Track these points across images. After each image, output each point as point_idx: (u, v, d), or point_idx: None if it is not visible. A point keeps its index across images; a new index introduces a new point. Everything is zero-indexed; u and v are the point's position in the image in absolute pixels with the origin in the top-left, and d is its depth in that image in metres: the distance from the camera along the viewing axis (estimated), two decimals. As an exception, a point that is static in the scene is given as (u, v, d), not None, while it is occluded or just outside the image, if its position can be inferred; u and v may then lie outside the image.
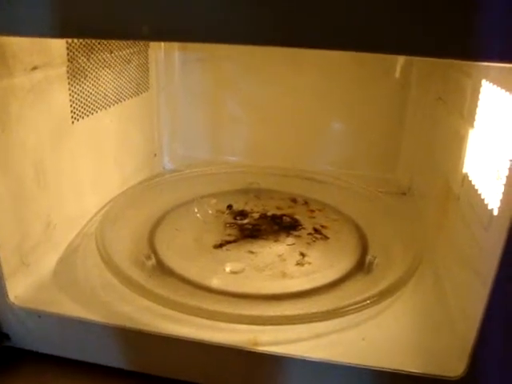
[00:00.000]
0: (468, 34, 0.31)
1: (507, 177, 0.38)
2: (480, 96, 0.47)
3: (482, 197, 0.44)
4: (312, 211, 0.71)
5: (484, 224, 0.43)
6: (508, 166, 0.38)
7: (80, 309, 0.48)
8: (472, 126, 0.49)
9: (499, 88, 0.42)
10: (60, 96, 0.56)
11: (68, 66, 0.57)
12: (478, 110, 0.47)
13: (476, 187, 0.46)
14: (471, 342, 0.40)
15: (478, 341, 0.39)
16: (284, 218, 0.68)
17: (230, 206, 0.70)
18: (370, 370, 0.43)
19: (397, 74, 0.77)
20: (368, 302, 0.47)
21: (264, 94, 0.82)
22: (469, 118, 0.51)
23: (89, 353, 0.49)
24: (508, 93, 0.40)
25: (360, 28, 0.33)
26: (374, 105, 0.79)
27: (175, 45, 0.82)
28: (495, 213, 0.40)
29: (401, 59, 0.76)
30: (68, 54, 0.56)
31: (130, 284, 0.49)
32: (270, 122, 0.84)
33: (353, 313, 0.46)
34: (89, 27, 0.37)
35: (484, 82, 0.46)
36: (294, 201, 0.74)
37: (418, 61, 0.74)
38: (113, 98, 0.69)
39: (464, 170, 0.50)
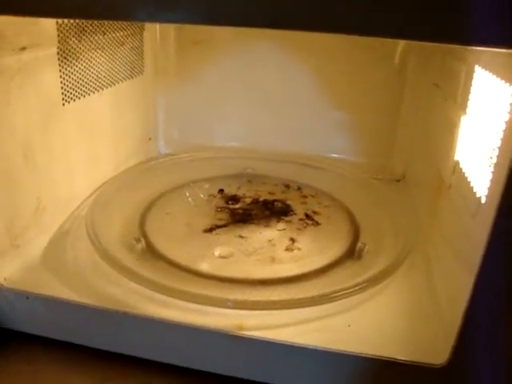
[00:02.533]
0: (461, 18, 0.31)
1: (495, 164, 0.38)
2: (472, 82, 0.46)
3: (472, 185, 0.43)
4: (305, 197, 0.71)
5: (472, 212, 0.42)
6: (496, 154, 0.37)
7: (68, 291, 0.48)
8: (464, 112, 0.48)
9: (490, 73, 0.41)
10: (50, 77, 0.56)
11: (58, 47, 0.56)
12: (471, 96, 0.47)
13: (466, 175, 0.45)
14: (456, 331, 0.40)
15: (461, 329, 0.39)
16: (276, 203, 0.68)
17: (221, 190, 0.70)
18: (354, 356, 0.43)
19: (395, 60, 0.76)
20: (356, 288, 0.47)
21: (260, 78, 0.82)
22: (462, 104, 0.50)
23: (76, 334, 0.49)
24: (499, 78, 0.39)
25: (358, 12, 0.32)
26: (371, 91, 0.78)
27: (171, 27, 0.81)
28: (483, 201, 0.40)
29: (399, 45, 0.75)
30: (58, 35, 0.56)
31: (118, 267, 0.49)
32: (266, 106, 0.84)
33: (340, 299, 0.46)
34: (81, 7, 0.36)
35: (477, 68, 0.45)
36: (287, 186, 0.74)
37: (417, 47, 0.74)
38: (106, 80, 0.68)
39: (455, 158, 0.50)
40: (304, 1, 0.33)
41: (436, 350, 0.43)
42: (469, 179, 0.44)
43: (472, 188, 0.43)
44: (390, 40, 0.74)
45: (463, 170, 0.47)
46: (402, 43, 0.75)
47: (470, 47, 0.48)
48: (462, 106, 0.49)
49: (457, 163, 0.50)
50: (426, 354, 0.43)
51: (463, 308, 0.39)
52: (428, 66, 0.72)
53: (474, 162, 0.44)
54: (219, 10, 0.34)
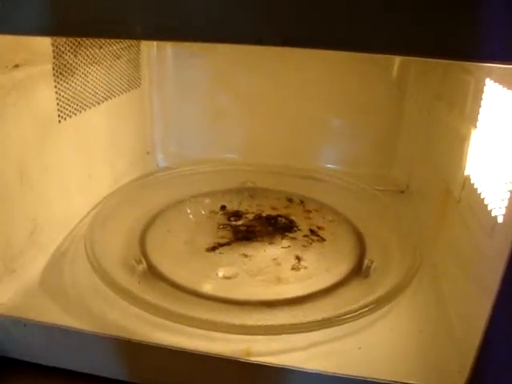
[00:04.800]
0: (469, 35, 0.30)
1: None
2: (483, 95, 0.45)
3: (486, 202, 0.42)
4: (308, 211, 0.69)
5: (487, 230, 0.41)
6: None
7: (67, 317, 0.46)
8: (474, 126, 0.47)
9: (505, 88, 0.40)
10: (45, 94, 0.54)
11: (54, 63, 0.54)
12: (482, 110, 0.45)
13: (479, 191, 0.44)
14: (472, 354, 0.38)
15: (479, 354, 0.38)
16: (279, 218, 0.66)
17: (223, 207, 0.68)
18: (367, 381, 0.41)
19: (394, 72, 0.76)
20: (365, 309, 0.46)
21: (259, 90, 0.81)
22: (471, 117, 0.49)
23: (77, 362, 0.47)
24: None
25: (359, 28, 0.31)
26: (372, 102, 0.78)
27: (168, 39, 0.79)
28: (500, 220, 0.38)
29: (398, 59, 0.74)
30: (54, 51, 0.54)
31: (119, 291, 0.48)
32: (266, 118, 0.82)
33: (349, 321, 0.45)
34: (77, 26, 0.35)
35: (488, 81, 0.44)
36: (290, 200, 0.72)
37: (416, 60, 0.72)
38: (102, 94, 0.67)
39: (465, 173, 0.49)
40: (303, 19, 0.32)
41: (450, 373, 0.42)
42: (482, 196, 0.43)
43: (486, 206, 0.42)
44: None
45: (475, 186, 0.45)
46: (400, 57, 0.74)
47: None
48: (472, 120, 0.48)
49: (467, 178, 0.48)
50: (440, 378, 0.42)
51: (480, 329, 0.38)
52: (429, 77, 0.71)
53: (488, 178, 0.42)
54: (221, 28, 0.33)
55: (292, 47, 0.34)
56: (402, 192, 0.79)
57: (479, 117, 0.46)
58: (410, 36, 0.31)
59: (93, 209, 0.66)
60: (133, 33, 0.34)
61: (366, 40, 0.32)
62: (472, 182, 0.47)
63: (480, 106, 0.46)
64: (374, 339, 0.46)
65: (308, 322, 0.44)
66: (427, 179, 0.69)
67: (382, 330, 0.47)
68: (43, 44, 0.53)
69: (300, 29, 0.33)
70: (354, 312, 0.45)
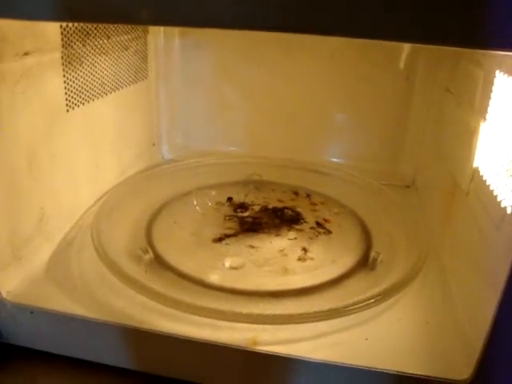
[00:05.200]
0: (479, 20, 0.29)
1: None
2: (493, 88, 0.45)
3: (495, 194, 0.42)
4: (314, 204, 0.69)
5: (495, 223, 0.41)
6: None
7: (74, 305, 0.47)
8: (484, 118, 0.47)
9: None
10: (54, 83, 0.54)
11: (63, 52, 0.54)
12: (491, 102, 0.45)
13: (488, 183, 0.44)
14: (479, 346, 0.38)
15: (486, 346, 0.38)
16: (286, 211, 0.66)
17: (230, 199, 0.68)
18: (374, 371, 0.41)
19: (402, 64, 0.75)
20: (372, 300, 0.45)
21: (266, 82, 0.80)
22: (480, 110, 0.49)
23: (82, 350, 0.47)
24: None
25: (370, 14, 0.31)
26: (379, 95, 0.77)
27: (175, 31, 0.79)
28: (509, 211, 0.38)
29: (406, 49, 0.74)
30: (62, 40, 0.54)
31: (126, 279, 0.47)
32: (272, 111, 0.82)
33: (356, 312, 0.45)
34: (84, 10, 0.35)
35: (498, 73, 0.44)
36: (296, 193, 0.72)
37: (425, 51, 0.72)
38: (110, 85, 0.66)
39: (474, 165, 0.48)
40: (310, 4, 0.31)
41: (457, 365, 0.42)
42: (491, 187, 0.43)
43: (495, 197, 0.41)
44: (396, 44, 0.73)
45: (484, 178, 0.45)
46: (408, 47, 0.73)
47: (488, 52, 0.47)
48: (481, 112, 0.48)
49: (476, 170, 0.48)
50: (446, 369, 0.41)
51: (487, 324, 0.37)
52: (438, 70, 0.71)
53: (497, 170, 0.42)
54: (223, 12, 0.33)
55: (300, 34, 0.33)
56: (408, 187, 0.79)
57: (489, 109, 0.46)
58: (421, 23, 0.30)
59: (99, 199, 0.66)
60: (138, 18, 0.34)
61: (377, 26, 0.31)
62: (481, 173, 0.46)
63: (490, 98, 0.45)
64: (381, 330, 0.46)
65: (315, 312, 0.44)
66: (434, 173, 0.69)
67: (389, 321, 0.47)
68: (52, 32, 0.52)
69: (308, 14, 0.32)
70: (361, 303, 0.45)
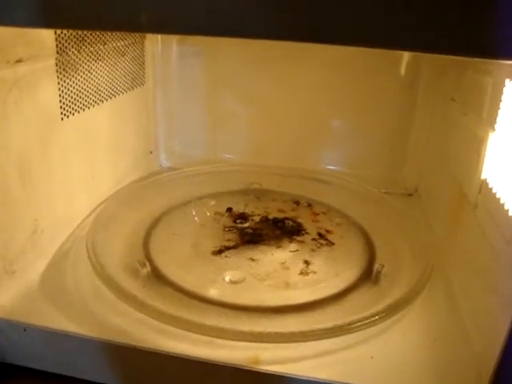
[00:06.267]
0: (488, 30, 0.28)
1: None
2: (503, 97, 0.43)
3: (506, 207, 0.40)
4: (316, 214, 0.68)
5: (506, 237, 0.40)
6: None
7: (69, 322, 0.45)
8: (493, 128, 0.45)
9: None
10: (48, 91, 0.52)
11: (57, 59, 0.53)
12: (501, 112, 0.44)
13: (498, 196, 0.42)
14: (491, 364, 0.37)
15: (499, 365, 0.36)
16: (287, 221, 0.64)
17: (229, 209, 0.66)
18: (380, 391, 0.40)
19: (405, 73, 0.74)
20: (376, 317, 0.44)
21: (265, 89, 0.79)
22: (489, 120, 0.47)
23: (78, 368, 0.45)
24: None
25: (374, 23, 0.29)
26: (381, 103, 0.76)
27: (173, 37, 0.78)
28: (521, 226, 0.37)
29: (409, 57, 0.73)
30: (57, 46, 0.52)
31: (123, 296, 0.46)
32: (271, 119, 0.81)
33: (360, 329, 0.43)
34: (78, 16, 0.33)
35: (508, 82, 0.43)
36: (297, 203, 0.71)
37: (428, 59, 0.71)
38: (106, 92, 0.65)
39: (483, 176, 0.47)
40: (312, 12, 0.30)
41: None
42: (502, 201, 0.41)
43: (507, 211, 0.40)
44: (399, 52, 0.72)
45: (493, 190, 0.44)
46: (411, 55, 0.72)
47: (498, 62, 0.45)
48: (490, 122, 0.46)
49: (484, 182, 0.47)
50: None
51: (499, 339, 0.36)
52: (442, 79, 0.70)
53: (508, 181, 0.41)
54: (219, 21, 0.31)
55: (302, 42, 0.31)
56: (410, 195, 0.78)
57: (498, 119, 0.44)
58: (430, 33, 0.29)
59: (95, 209, 0.64)
60: (137, 25, 0.33)
61: (385, 36, 0.30)
62: (490, 185, 0.45)
63: (499, 108, 0.44)
64: (387, 347, 0.44)
65: (319, 330, 0.42)
66: (438, 182, 0.67)
67: (395, 338, 0.45)
68: (47, 39, 0.51)
69: (312, 22, 0.30)
70: (366, 319, 0.43)
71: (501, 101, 0.44)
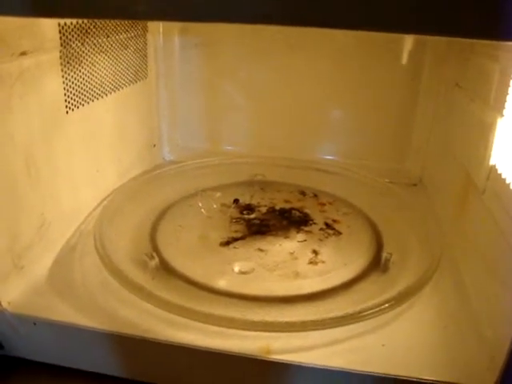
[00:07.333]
0: (500, 12, 0.27)
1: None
2: (511, 82, 0.43)
3: (516, 192, 0.40)
4: (322, 204, 0.67)
5: (516, 223, 0.39)
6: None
7: (78, 315, 0.45)
8: (501, 114, 0.45)
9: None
10: (52, 84, 0.52)
11: (61, 51, 0.52)
12: (509, 98, 0.43)
13: (507, 182, 0.42)
14: (503, 351, 0.37)
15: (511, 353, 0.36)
16: (293, 211, 0.64)
17: (236, 200, 0.66)
18: (392, 378, 0.40)
19: (408, 61, 0.73)
20: (387, 305, 0.44)
21: (268, 80, 0.79)
22: (496, 105, 0.47)
23: (87, 361, 0.46)
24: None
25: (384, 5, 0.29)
26: (384, 92, 0.76)
27: (175, 29, 0.77)
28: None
29: (412, 44, 0.72)
30: (61, 38, 0.52)
31: (133, 287, 0.46)
32: (274, 110, 0.81)
33: (371, 317, 0.43)
34: (79, 4, 0.33)
35: (516, 67, 0.42)
36: (303, 193, 0.70)
37: (431, 45, 0.71)
38: (110, 85, 0.65)
39: (491, 162, 0.47)
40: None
41: (480, 370, 0.40)
42: (511, 186, 0.41)
43: (516, 196, 0.40)
44: (402, 39, 0.71)
45: (502, 176, 0.44)
46: (414, 42, 0.72)
47: (504, 46, 0.45)
48: (497, 108, 0.46)
49: (493, 168, 0.46)
50: (467, 376, 0.40)
51: (510, 324, 0.36)
52: (446, 65, 0.69)
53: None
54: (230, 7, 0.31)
55: (302, 27, 0.31)
56: (415, 185, 0.77)
57: (506, 104, 0.44)
58: (440, 15, 0.28)
59: (100, 203, 0.64)
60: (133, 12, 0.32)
61: (393, 18, 0.29)
62: (499, 171, 0.45)
63: (507, 94, 0.44)
64: (398, 336, 0.44)
65: (330, 319, 0.42)
66: (444, 170, 0.67)
67: (405, 326, 0.45)
68: (50, 31, 0.50)
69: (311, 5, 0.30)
70: (376, 307, 0.43)
71: (509, 86, 0.43)
